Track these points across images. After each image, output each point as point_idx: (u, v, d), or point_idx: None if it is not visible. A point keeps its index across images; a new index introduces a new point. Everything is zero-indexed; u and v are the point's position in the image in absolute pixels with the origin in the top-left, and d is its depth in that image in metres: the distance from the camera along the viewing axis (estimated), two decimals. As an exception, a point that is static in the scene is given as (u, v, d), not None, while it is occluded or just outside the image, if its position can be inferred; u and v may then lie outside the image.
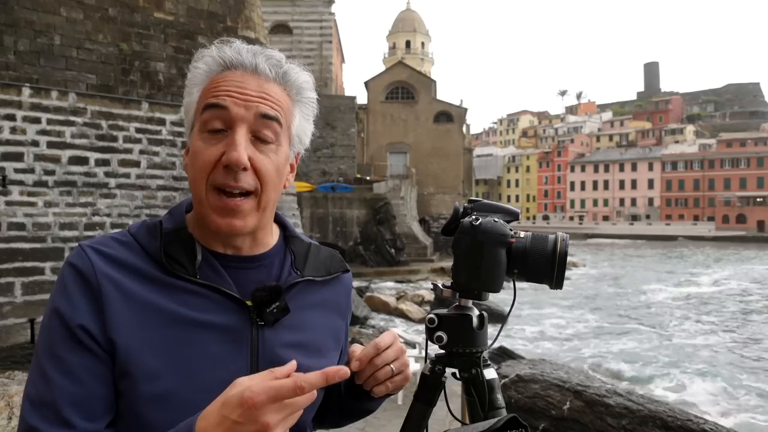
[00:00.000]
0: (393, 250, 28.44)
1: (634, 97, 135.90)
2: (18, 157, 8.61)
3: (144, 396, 0.78)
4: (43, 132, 8.87)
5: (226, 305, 0.84)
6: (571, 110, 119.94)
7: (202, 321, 0.82)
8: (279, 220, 0.98)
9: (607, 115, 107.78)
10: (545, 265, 0.95)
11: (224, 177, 0.81)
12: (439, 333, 0.98)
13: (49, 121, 8.92)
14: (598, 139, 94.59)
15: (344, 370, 0.70)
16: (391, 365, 0.94)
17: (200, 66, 0.87)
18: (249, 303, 0.85)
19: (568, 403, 4.47)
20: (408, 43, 66.40)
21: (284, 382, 0.66)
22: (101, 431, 0.78)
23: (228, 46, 0.86)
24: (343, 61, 51.54)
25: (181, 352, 0.80)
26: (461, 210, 1.02)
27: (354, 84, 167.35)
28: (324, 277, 0.97)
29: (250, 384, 0.66)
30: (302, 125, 0.91)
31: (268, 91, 0.84)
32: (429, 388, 1.02)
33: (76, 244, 0.87)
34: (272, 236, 0.95)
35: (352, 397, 1.02)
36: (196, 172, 0.83)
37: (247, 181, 0.82)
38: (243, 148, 0.81)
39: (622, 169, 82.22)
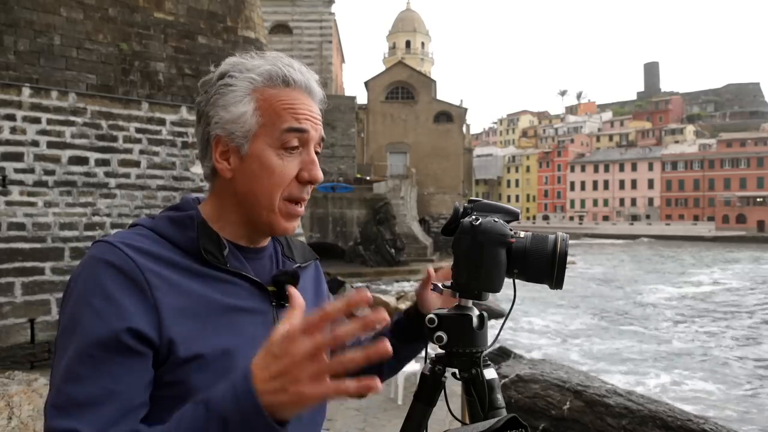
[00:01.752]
0: (393, 250, 28.44)
1: (634, 97, 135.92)
2: (18, 157, 8.61)
3: (198, 382, 0.80)
4: (43, 132, 8.87)
5: (252, 291, 0.91)
6: (571, 110, 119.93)
7: (239, 306, 0.88)
8: None
9: (607, 115, 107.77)
10: (545, 265, 0.95)
11: (300, 191, 0.92)
12: (439, 333, 0.98)
13: (49, 121, 8.92)
14: (598, 139, 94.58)
15: (366, 295, 0.68)
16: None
17: (254, 77, 0.91)
18: (271, 288, 0.93)
19: (568, 403, 4.47)
20: (408, 43, 66.41)
21: (312, 313, 0.67)
22: (137, 429, 0.77)
23: (291, 66, 0.92)
24: (343, 61, 51.54)
25: (227, 336, 0.85)
26: (461, 210, 1.02)
27: (354, 84, 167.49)
28: (305, 264, 1.06)
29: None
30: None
31: (318, 112, 0.95)
32: (429, 388, 1.02)
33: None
34: None
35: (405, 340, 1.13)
36: (273, 185, 0.91)
37: (309, 192, 0.95)
38: (318, 165, 0.94)
39: (622, 169, 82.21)
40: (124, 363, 0.76)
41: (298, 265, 1.03)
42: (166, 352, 0.79)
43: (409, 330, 1.13)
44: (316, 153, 0.94)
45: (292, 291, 0.76)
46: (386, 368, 1.16)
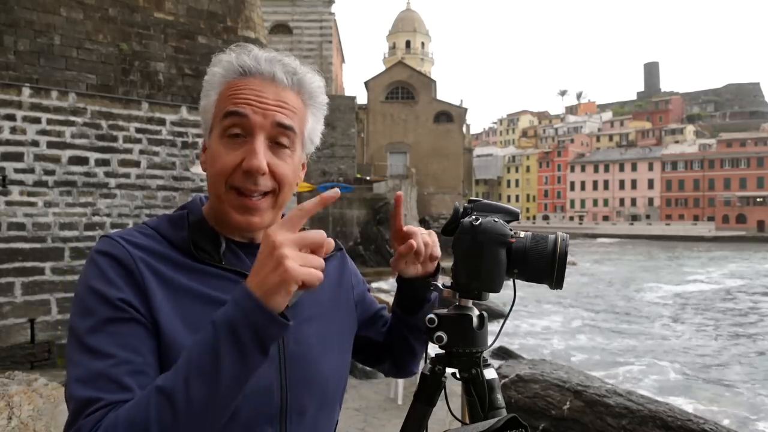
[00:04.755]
0: (393, 250, 28.42)
1: (634, 97, 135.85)
2: (18, 157, 8.61)
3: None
4: (43, 132, 8.87)
5: None
6: (571, 110, 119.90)
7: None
8: None
9: (607, 115, 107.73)
10: (545, 265, 0.95)
11: (244, 181, 0.88)
12: (439, 333, 0.98)
13: (49, 121, 8.92)
14: (598, 139, 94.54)
15: (335, 192, 0.80)
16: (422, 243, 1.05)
17: (218, 70, 0.92)
18: None
19: (568, 403, 4.47)
20: (408, 43, 66.39)
21: (292, 212, 0.76)
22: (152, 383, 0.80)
23: (246, 54, 0.91)
24: (343, 61, 51.52)
25: None
26: (461, 210, 1.02)
27: (354, 84, 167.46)
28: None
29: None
30: (314, 127, 1.00)
31: (284, 99, 0.91)
32: (429, 388, 1.02)
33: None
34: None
35: (405, 310, 1.13)
36: (216, 174, 0.90)
37: (266, 184, 0.89)
38: (262, 155, 0.88)
39: (622, 169, 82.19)
40: (128, 330, 0.80)
41: None
42: (156, 333, 0.83)
43: (406, 296, 1.13)
44: (278, 143, 0.90)
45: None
46: (416, 344, 1.16)
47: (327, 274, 1.00)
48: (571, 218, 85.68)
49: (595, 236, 71.66)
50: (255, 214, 0.90)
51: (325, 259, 1.02)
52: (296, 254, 0.73)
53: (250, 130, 0.88)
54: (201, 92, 0.96)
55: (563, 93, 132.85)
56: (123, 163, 9.69)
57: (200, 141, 0.96)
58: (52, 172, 8.92)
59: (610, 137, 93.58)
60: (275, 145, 0.90)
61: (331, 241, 0.80)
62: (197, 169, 10.22)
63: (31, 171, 8.74)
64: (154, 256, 0.87)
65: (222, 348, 0.71)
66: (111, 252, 0.85)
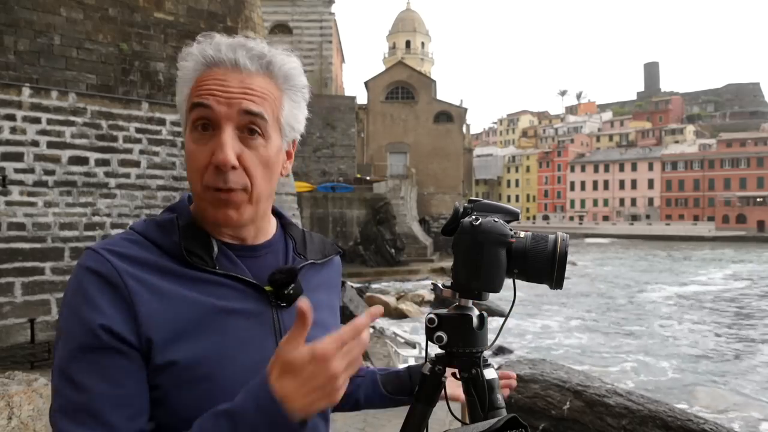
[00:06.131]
0: (393, 250, 28.44)
1: (634, 97, 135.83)
2: (18, 157, 8.61)
3: (185, 385, 0.79)
4: (43, 132, 8.87)
5: (246, 292, 0.87)
6: (571, 110, 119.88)
7: (229, 308, 0.84)
8: (273, 210, 1.01)
9: (607, 115, 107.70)
10: (545, 265, 0.95)
11: (215, 179, 0.83)
12: (439, 333, 0.98)
13: (49, 121, 8.92)
14: (598, 139, 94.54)
15: (380, 308, 0.78)
16: None
17: (187, 64, 0.87)
18: (267, 288, 0.88)
19: (568, 403, 4.47)
20: (408, 43, 66.39)
21: (344, 328, 0.72)
22: (145, 430, 0.78)
23: (208, 44, 0.86)
24: (343, 61, 51.53)
25: (216, 339, 0.82)
26: (461, 210, 1.02)
27: (354, 84, 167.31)
28: (322, 260, 1.01)
29: (315, 343, 0.71)
30: (292, 113, 0.91)
31: (251, 85, 0.85)
32: (429, 388, 1.02)
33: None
34: (272, 225, 0.99)
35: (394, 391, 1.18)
36: (192, 172, 0.86)
37: (236, 180, 0.84)
38: (230, 148, 0.82)
39: (622, 169, 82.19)
40: (109, 360, 0.76)
41: (310, 262, 0.97)
42: (146, 355, 0.79)
43: (401, 387, 1.17)
44: (247, 130, 0.84)
45: (302, 306, 0.72)
46: (362, 399, 1.18)
47: (319, 281, 1.00)
48: (571, 218, 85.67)
49: (595, 236, 71.60)
50: (231, 207, 0.85)
51: (318, 264, 1.01)
52: (344, 378, 0.73)
53: (216, 122, 0.83)
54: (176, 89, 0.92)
55: (563, 93, 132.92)
56: (123, 163, 9.69)
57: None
58: (52, 172, 8.92)
59: (610, 137, 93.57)
60: (247, 134, 0.85)
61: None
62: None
63: (31, 171, 8.74)
64: (143, 266, 0.82)
65: None
66: (95, 269, 0.80)
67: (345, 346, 0.71)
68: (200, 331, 0.81)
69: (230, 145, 0.82)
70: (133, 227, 0.89)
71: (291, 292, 0.89)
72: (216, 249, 0.88)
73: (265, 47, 0.87)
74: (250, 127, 0.85)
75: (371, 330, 13.01)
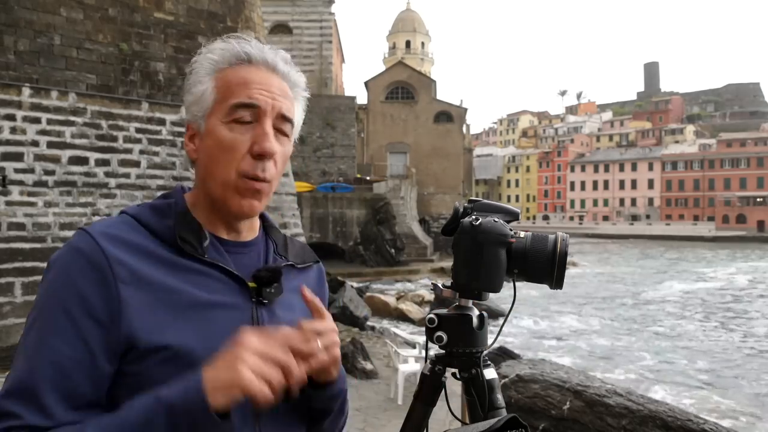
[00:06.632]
0: (393, 250, 28.44)
1: (634, 97, 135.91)
2: (18, 157, 8.61)
3: (164, 375, 0.78)
4: (43, 132, 8.87)
5: (231, 285, 0.89)
6: (571, 110, 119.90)
7: (213, 301, 0.86)
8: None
9: (607, 115, 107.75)
10: (545, 265, 0.95)
11: (253, 167, 0.88)
12: (439, 333, 0.98)
13: (49, 121, 8.92)
14: (598, 139, 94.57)
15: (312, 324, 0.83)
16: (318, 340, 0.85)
17: (212, 57, 0.91)
18: (251, 284, 0.90)
19: (568, 403, 4.47)
20: (408, 43, 66.42)
21: (280, 332, 0.78)
22: (81, 421, 0.76)
23: (247, 43, 0.91)
24: (343, 61, 51.53)
25: (198, 331, 0.83)
26: (461, 210, 1.02)
27: (354, 84, 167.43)
28: (302, 264, 1.03)
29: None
30: (300, 119, 0.98)
31: (285, 89, 0.92)
32: (429, 388, 1.02)
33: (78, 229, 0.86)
34: (258, 224, 1.01)
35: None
36: (226, 159, 0.88)
37: (270, 171, 0.89)
38: (273, 138, 0.88)
39: (622, 169, 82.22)
40: (71, 347, 0.77)
41: (291, 263, 0.99)
42: (125, 344, 0.79)
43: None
44: (278, 130, 0.91)
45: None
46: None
47: (303, 281, 0.99)
48: (571, 218, 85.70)
49: (594, 236, 71.55)
50: (258, 198, 0.90)
51: (303, 269, 1.02)
52: (256, 362, 0.73)
53: (259, 117, 0.89)
54: (188, 79, 0.93)
55: (563, 93, 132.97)
56: (123, 163, 9.69)
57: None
58: (52, 172, 8.92)
59: (610, 137, 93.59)
60: (277, 132, 0.91)
61: (305, 376, 0.79)
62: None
63: (31, 171, 8.74)
64: (135, 252, 0.83)
65: (156, 428, 0.71)
66: (85, 252, 0.80)
67: (270, 346, 0.75)
68: (183, 322, 0.82)
69: (272, 135, 0.89)
70: (125, 211, 0.90)
71: (272, 290, 0.91)
72: (208, 238, 0.89)
73: (288, 56, 0.95)
74: (280, 129, 0.91)
75: (371, 330, 13.00)
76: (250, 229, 0.97)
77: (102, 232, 0.83)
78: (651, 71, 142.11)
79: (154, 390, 0.74)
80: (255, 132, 0.88)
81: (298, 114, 0.96)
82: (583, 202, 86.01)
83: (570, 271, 22.97)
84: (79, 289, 0.79)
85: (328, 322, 0.88)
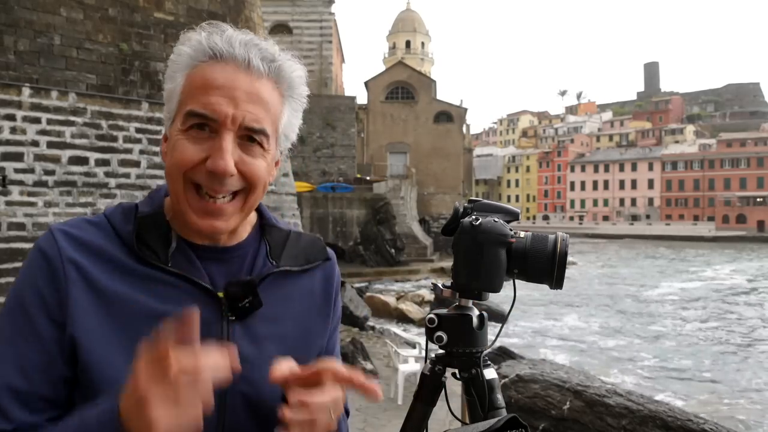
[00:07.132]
0: (393, 250, 28.43)
1: (634, 97, 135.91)
2: (18, 157, 8.61)
3: (106, 391, 0.72)
4: (43, 132, 8.86)
5: (197, 297, 0.79)
6: (571, 110, 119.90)
7: (171, 314, 0.74)
8: (257, 209, 0.93)
9: (607, 115, 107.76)
10: (545, 265, 0.95)
11: (209, 181, 0.77)
12: (439, 333, 0.98)
13: (49, 121, 8.91)
14: (598, 139, 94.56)
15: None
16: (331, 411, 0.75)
17: (186, 50, 0.80)
18: (221, 294, 0.81)
19: (568, 403, 4.47)
20: (408, 43, 66.42)
21: (199, 361, 0.61)
22: (41, 423, 0.74)
23: (219, 34, 0.79)
24: (343, 61, 51.52)
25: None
26: (461, 210, 1.02)
27: (354, 84, 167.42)
28: (302, 266, 0.91)
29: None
30: (290, 122, 0.86)
31: (258, 91, 0.78)
32: (429, 388, 1.02)
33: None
34: (248, 226, 0.91)
35: None
36: (174, 167, 0.78)
37: (233, 184, 0.78)
38: (230, 155, 0.76)
39: (622, 169, 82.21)
40: (27, 348, 0.74)
41: (282, 269, 0.88)
42: (71, 349, 0.75)
43: None
44: (249, 141, 0.78)
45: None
46: None
47: (292, 293, 0.89)
48: (571, 218, 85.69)
49: (594, 236, 71.51)
50: (220, 218, 0.79)
51: (308, 270, 0.91)
52: (168, 399, 0.59)
53: (217, 127, 0.76)
54: (165, 74, 0.83)
55: (563, 93, 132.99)
56: (123, 163, 9.69)
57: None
58: (52, 172, 8.92)
59: (610, 137, 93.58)
60: (246, 141, 0.78)
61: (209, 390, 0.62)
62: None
63: (31, 171, 8.74)
64: (90, 253, 0.78)
65: None
66: (45, 251, 0.78)
67: (180, 366, 0.60)
68: (132, 336, 0.74)
69: (230, 151, 0.76)
70: (105, 210, 0.86)
71: (247, 305, 0.82)
72: (174, 245, 0.81)
73: (276, 50, 0.82)
74: (251, 136, 0.79)
75: (371, 330, 13.00)
76: (234, 235, 0.87)
77: (63, 231, 0.80)
78: (651, 71, 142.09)
79: (78, 410, 0.70)
80: (210, 144, 0.76)
81: (286, 116, 0.84)
82: (583, 202, 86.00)
83: (570, 271, 22.97)
84: (39, 288, 0.77)
85: (321, 394, 0.73)
